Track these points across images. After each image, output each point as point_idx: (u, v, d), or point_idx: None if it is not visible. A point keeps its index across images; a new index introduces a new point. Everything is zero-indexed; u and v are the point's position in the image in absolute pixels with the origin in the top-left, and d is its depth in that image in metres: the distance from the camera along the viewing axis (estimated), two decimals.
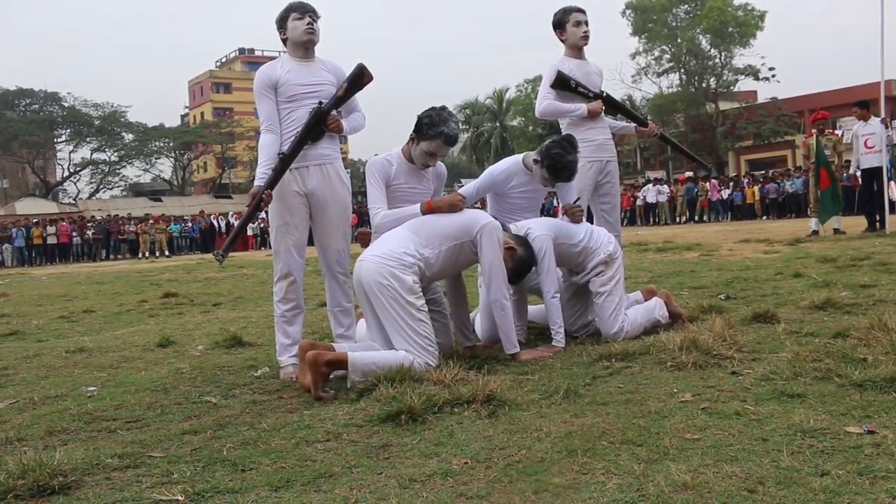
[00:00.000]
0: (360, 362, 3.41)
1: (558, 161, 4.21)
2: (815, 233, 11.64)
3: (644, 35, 44.85)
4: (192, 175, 60.98)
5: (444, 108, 4.01)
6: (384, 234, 3.87)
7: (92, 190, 55.00)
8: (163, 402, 3.51)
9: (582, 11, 4.97)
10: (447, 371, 3.36)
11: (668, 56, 45.30)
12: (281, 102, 3.96)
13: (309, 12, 3.99)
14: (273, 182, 3.84)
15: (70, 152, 54.51)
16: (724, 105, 44.85)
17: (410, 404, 2.86)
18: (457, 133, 4.00)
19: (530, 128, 49.90)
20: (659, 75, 45.96)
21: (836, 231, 11.49)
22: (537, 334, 4.56)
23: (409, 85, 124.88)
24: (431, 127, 3.92)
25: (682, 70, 45.45)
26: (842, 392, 2.76)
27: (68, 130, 53.15)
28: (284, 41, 4.07)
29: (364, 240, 4.21)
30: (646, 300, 4.50)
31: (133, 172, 57.25)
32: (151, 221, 31.50)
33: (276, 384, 3.77)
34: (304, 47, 4.01)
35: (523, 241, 4.04)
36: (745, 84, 45.38)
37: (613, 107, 5.14)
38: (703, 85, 45.22)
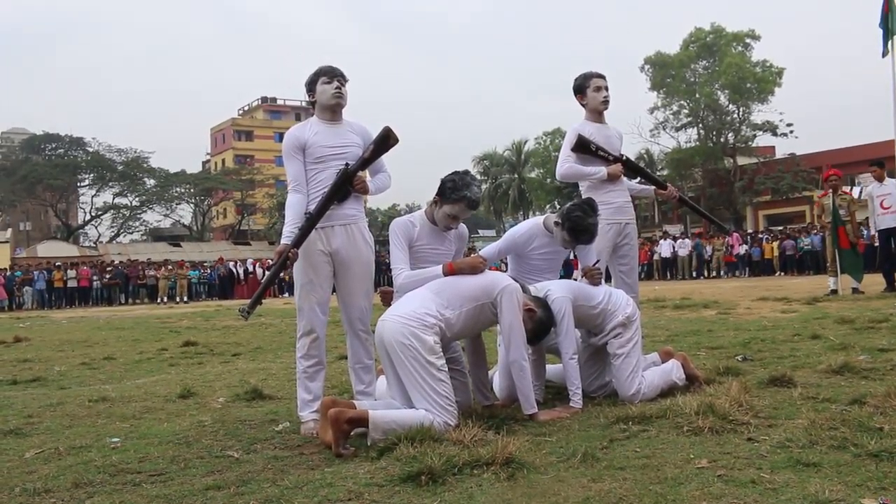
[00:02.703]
0: (381, 421, 3.46)
1: (579, 224, 4.30)
2: (834, 292, 11.61)
3: (662, 90, 45.36)
4: (212, 221, 61.53)
5: (466, 173, 4.12)
6: (406, 293, 3.95)
7: (112, 234, 55.68)
8: (186, 455, 3.56)
9: (602, 77, 5.11)
10: (466, 431, 3.40)
11: (686, 111, 45.73)
12: (308, 163, 4.08)
13: (337, 76, 4.14)
14: (299, 241, 3.95)
15: (92, 196, 55.45)
16: (742, 160, 45.05)
17: (431, 465, 2.89)
18: (479, 197, 4.11)
19: (548, 180, 50.18)
20: (677, 130, 46.45)
21: (855, 291, 11.46)
22: (555, 393, 4.59)
23: (425, 130, 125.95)
24: (455, 191, 4.03)
25: (701, 125, 45.79)
26: (858, 462, 2.77)
27: (91, 175, 54.02)
28: (313, 104, 4.21)
29: (386, 298, 4.27)
30: (663, 361, 4.54)
31: (153, 217, 58.06)
32: (171, 267, 31.65)
33: (297, 439, 3.82)
34: (332, 110, 4.15)
35: (543, 303, 4.11)
36: (763, 139, 45.66)
37: (633, 170, 5.25)
38: (722, 140, 45.49)
